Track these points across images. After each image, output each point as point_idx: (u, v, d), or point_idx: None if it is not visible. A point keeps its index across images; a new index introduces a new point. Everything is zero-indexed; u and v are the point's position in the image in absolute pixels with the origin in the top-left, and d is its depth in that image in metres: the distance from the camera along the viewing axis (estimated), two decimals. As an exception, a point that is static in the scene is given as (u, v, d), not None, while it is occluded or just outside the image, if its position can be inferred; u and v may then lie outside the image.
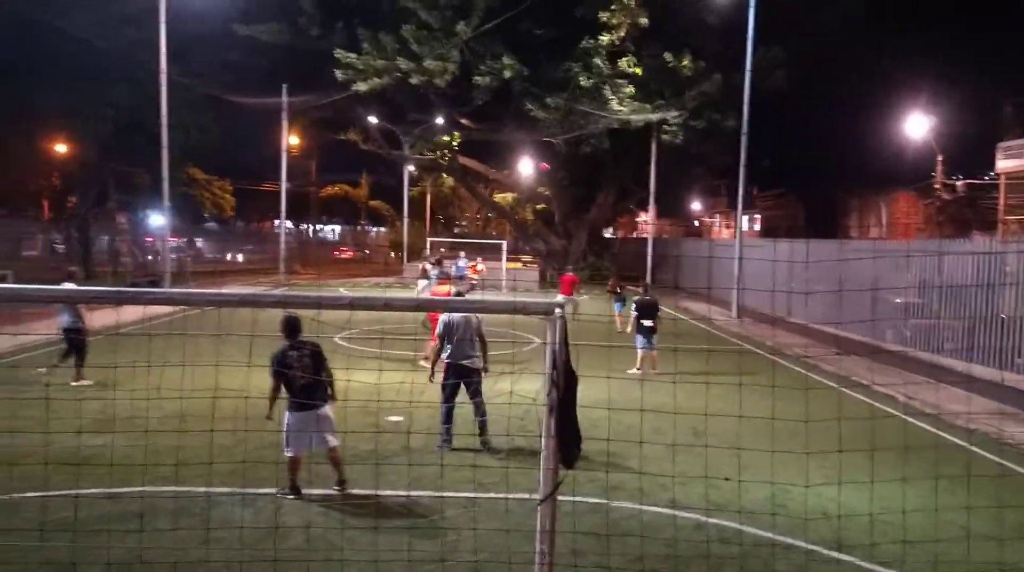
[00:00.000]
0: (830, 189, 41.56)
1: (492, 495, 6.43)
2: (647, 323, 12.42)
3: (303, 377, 6.35)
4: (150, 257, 37.50)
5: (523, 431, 7.03)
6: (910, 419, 10.10)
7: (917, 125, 27.81)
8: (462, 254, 27.95)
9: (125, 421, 8.14)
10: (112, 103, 28.07)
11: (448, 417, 8.14)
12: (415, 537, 5.74)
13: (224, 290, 4.37)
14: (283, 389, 6.46)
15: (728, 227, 54.92)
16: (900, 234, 35.69)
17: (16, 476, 6.51)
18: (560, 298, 13.74)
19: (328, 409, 6.55)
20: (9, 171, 33.55)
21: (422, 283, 22.54)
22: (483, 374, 8.22)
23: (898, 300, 16.69)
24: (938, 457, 7.80)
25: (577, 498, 6.57)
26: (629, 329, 12.67)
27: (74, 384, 10.43)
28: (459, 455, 7.61)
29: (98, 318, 12.31)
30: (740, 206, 23.03)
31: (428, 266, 22.74)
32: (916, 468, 7.03)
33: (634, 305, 13.01)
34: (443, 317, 8.20)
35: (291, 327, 6.54)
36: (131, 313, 15.68)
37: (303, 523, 5.89)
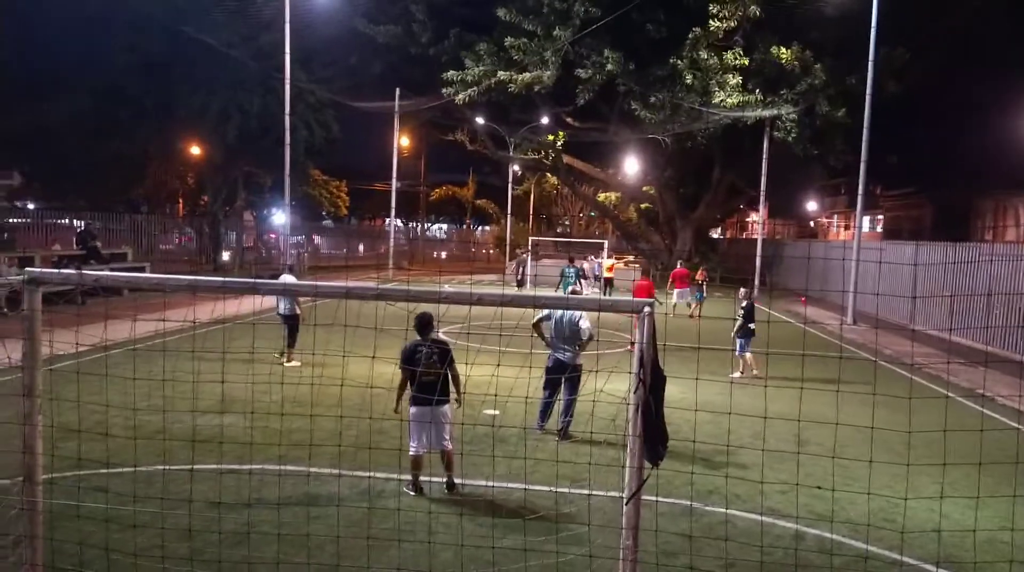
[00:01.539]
0: (962, 189, 38.72)
1: (582, 491, 6.51)
2: (750, 326, 12.22)
3: (429, 373, 6.43)
4: (273, 252, 39.81)
5: (615, 430, 7.06)
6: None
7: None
8: (594, 255, 28.55)
9: (256, 404, 8.76)
10: (243, 108, 30.11)
11: (544, 411, 8.49)
12: (504, 528, 5.89)
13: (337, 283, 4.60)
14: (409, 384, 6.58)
15: (847, 228, 52.20)
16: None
17: (152, 451, 7.16)
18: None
19: (448, 408, 6.62)
20: (151, 172, 36.63)
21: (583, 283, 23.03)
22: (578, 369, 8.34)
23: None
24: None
25: (672, 500, 6.54)
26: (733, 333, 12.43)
27: (286, 364, 11.57)
28: (550, 450, 7.72)
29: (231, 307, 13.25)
30: (860, 205, 21.84)
31: (586, 265, 23.39)
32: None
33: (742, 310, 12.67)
34: (546, 311, 8.40)
35: (422, 324, 6.64)
36: (266, 302, 16.77)
37: (400, 506, 6.18)
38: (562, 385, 8.41)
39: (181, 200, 43.18)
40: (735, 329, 12.27)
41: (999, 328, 15.80)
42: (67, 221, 28.93)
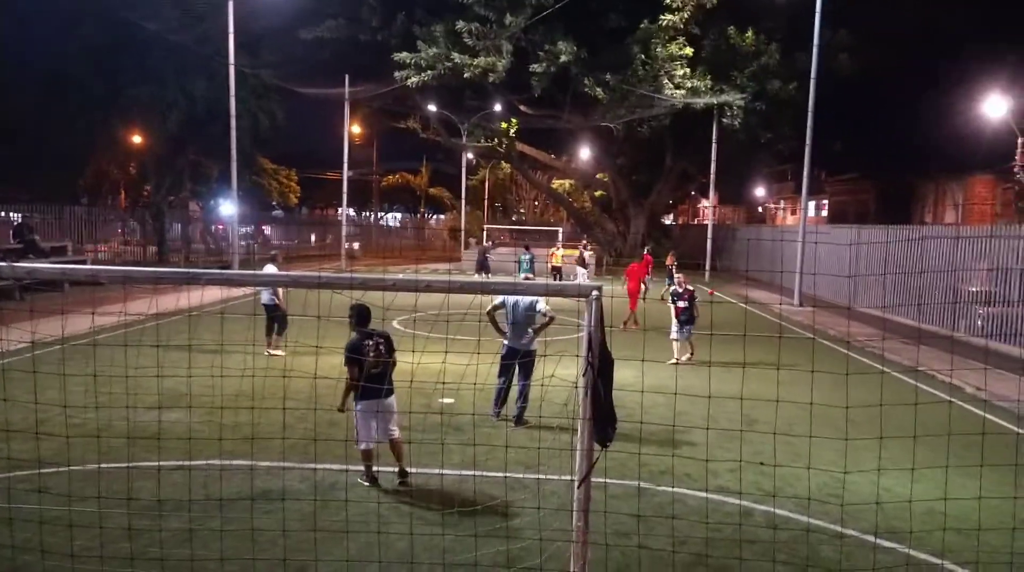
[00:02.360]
0: (903, 174, 39.91)
1: (534, 476, 6.54)
2: (682, 310, 12.14)
3: (377, 365, 6.35)
4: (222, 243, 38.90)
5: (567, 414, 7.12)
6: (968, 406, 9.75)
7: (995, 106, 26.44)
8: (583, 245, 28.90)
9: (196, 398, 8.57)
10: (188, 95, 29.27)
11: (499, 397, 8.56)
12: (457, 516, 5.89)
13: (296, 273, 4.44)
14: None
15: (794, 214, 53.41)
16: (976, 220, 34.06)
17: (93, 448, 6.94)
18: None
19: (394, 399, 6.59)
20: (92, 162, 35.38)
21: (581, 271, 23.11)
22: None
23: (972, 288, 16.06)
24: (990, 444, 7.54)
25: (625, 481, 6.62)
26: (661, 298, 12.41)
27: (268, 353, 11.73)
28: (504, 437, 7.74)
29: (171, 301, 12.92)
30: (805, 190, 22.39)
31: (587, 254, 23.33)
32: (969, 456, 6.80)
33: (672, 294, 12.56)
34: (500, 299, 8.44)
35: (361, 316, 6.56)
36: (210, 295, 16.40)
37: (351, 498, 6.12)
38: (515, 371, 8.46)
39: (123, 191, 41.86)
40: (675, 313, 12.22)
41: (933, 306, 16.39)
42: (2, 214, 27.80)
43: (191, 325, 12.18)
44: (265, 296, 12.17)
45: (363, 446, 6.51)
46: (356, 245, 31.90)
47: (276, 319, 12.06)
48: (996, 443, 8.13)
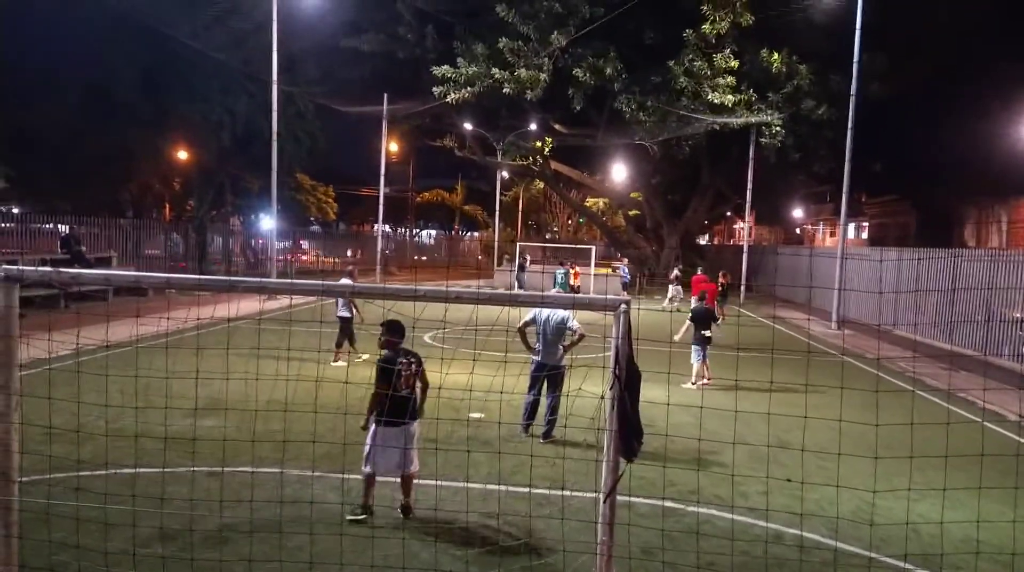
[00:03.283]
0: (946, 196, 39.10)
1: (559, 491, 6.52)
2: (704, 333, 11.62)
3: (404, 389, 5.94)
4: (261, 257, 39.64)
5: (593, 429, 7.11)
6: (1005, 431, 9.46)
7: (1043, 127, 25.83)
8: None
9: (232, 404, 8.73)
10: (231, 113, 30.06)
11: (529, 411, 8.58)
12: (484, 528, 5.89)
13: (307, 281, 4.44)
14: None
15: (832, 235, 52.60)
16: (1022, 243, 33.16)
17: (134, 452, 7.12)
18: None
19: (416, 426, 6.15)
20: (136, 176, 36.46)
21: (672, 290, 22.97)
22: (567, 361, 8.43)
23: (1017, 314, 15.63)
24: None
25: (651, 501, 6.57)
26: (678, 337, 11.65)
27: (337, 363, 12.09)
28: (530, 450, 7.73)
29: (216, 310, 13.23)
30: (844, 210, 22.08)
31: (678, 272, 23.14)
32: (1007, 481, 6.61)
33: (690, 314, 11.98)
34: (533, 310, 8.53)
35: (393, 331, 6.12)
36: (247, 306, 16.73)
37: (380, 505, 6.17)
38: (544, 384, 8.49)
39: (168, 205, 42.95)
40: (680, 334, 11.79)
41: (972, 330, 15.97)
42: (51, 226, 28.71)
43: (229, 333, 12.41)
44: (340, 308, 12.64)
45: (369, 470, 6.02)
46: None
47: (348, 331, 12.51)
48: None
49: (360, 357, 12.44)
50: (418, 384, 6.14)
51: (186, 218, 37.78)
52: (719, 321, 11.90)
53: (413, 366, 6.03)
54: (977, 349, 15.58)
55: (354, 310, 12.58)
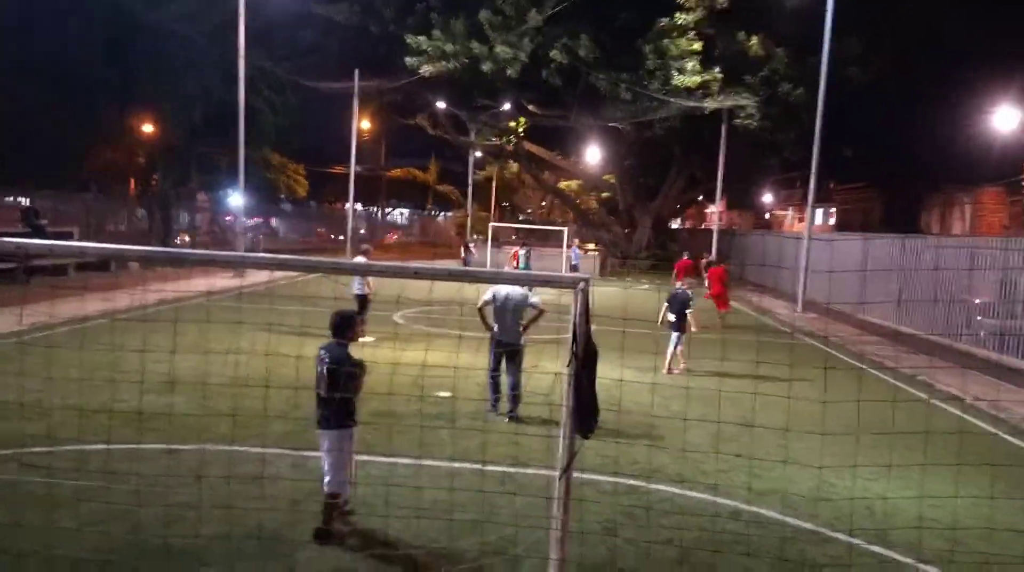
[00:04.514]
0: (912, 184, 39.77)
1: (514, 468, 6.55)
2: (671, 318, 11.55)
3: (318, 389, 5.29)
4: (229, 234, 39.05)
5: (550, 405, 7.15)
6: (947, 407, 9.72)
7: (1006, 118, 26.33)
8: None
9: (188, 384, 8.62)
10: (199, 87, 29.39)
11: (494, 386, 8.65)
12: (440, 505, 5.90)
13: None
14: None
15: (801, 221, 53.27)
16: (984, 232, 33.90)
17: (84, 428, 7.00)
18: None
19: (326, 436, 5.23)
20: (99, 151, 35.55)
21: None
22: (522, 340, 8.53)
23: (977, 300, 15.99)
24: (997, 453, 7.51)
25: (616, 479, 6.64)
26: (660, 322, 11.69)
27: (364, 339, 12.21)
28: (489, 427, 7.75)
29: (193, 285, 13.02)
30: (812, 196, 22.35)
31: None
32: (948, 456, 6.79)
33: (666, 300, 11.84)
34: (491, 289, 8.53)
35: (332, 325, 5.40)
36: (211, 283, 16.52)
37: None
38: (504, 363, 8.57)
39: (132, 180, 42.02)
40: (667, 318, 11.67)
41: (935, 313, 16.33)
42: (11, 199, 27.96)
43: (206, 310, 12.27)
44: (356, 286, 12.81)
45: (343, 490, 5.31)
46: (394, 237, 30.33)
47: (363, 306, 12.54)
48: (972, 442, 8.10)
49: (368, 338, 12.48)
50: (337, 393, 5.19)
51: (151, 193, 37.00)
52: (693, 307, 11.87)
53: (325, 366, 5.22)
54: (938, 333, 15.93)
55: (367, 287, 12.78)
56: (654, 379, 9.87)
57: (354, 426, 5.31)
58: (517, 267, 24.00)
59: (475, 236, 32.73)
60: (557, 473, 3.65)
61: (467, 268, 22.72)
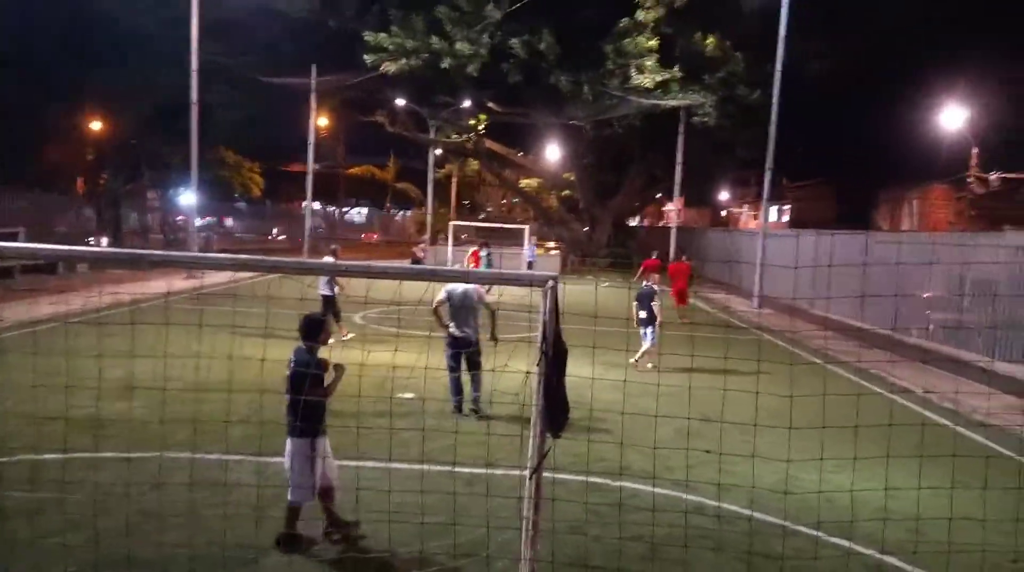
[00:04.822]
0: (863, 181, 40.81)
1: (483, 470, 6.51)
2: (643, 314, 11.81)
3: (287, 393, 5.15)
4: (180, 235, 38.13)
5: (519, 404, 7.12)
6: (908, 404, 9.99)
7: (953, 117, 27.18)
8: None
9: (144, 390, 8.37)
10: (149, 81, 28.58)
11: (456, 387, 8.69)
12: (408, 507, 5.83)
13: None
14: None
15: (756, 218, 54.27)
16: (931, 228, 34.97)
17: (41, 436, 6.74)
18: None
19: (289, 443, 5.15)
20: (45, 148, 34.37)
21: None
22: (494, 344, 8.55)
23: (925, 294, 16.44)
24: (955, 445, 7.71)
25: (583, 477, 6.63)
26: (635, 323, 11.90)
27: (343, 338, 12.13)
28: (456, 428, 7.69)
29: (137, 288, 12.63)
30: (766, 194, 22.78)
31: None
32: (908, 449, 6.96)
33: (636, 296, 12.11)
34: (446, 288, 8.57)
35: (300, 329, 5.32)
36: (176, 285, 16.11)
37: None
38: (463, 362, 8.66)
39: (80, 178, 40.76)
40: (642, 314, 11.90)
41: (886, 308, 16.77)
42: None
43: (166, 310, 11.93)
44: (322, 286, 12.59)
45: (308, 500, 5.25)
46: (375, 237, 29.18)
47: (331, 306, 12.45)
48: (931, 434, 8.32)
49: (344, 337, 12.40)
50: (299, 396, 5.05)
51: (99, 192, 35.91)
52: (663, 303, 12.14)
53: (288, 370, 5.16)
54: (892, 328, 16.35)
55: (336, 288, 12.61)
56: (622, 376, 9.91)
57: (320, 434, 5.14)
58: (478, 267, 23.83)
59: (425, 237, 32.40)
60: (527, 472, 3.62)
61: (438, 268, 22.47)
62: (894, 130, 32.62)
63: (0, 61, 27.09)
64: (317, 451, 5.10)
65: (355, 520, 5.41)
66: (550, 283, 3.47)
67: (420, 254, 20.98)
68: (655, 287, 12.20)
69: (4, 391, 7.61)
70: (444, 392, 8.72)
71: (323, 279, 12.57)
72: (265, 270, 3.92)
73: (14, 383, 7.62)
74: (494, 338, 8.57)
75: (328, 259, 13.10)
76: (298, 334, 5.27)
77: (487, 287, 8.71)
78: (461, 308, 8.56)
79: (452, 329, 8.60)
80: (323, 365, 5.15)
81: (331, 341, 11.69)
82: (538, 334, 3.53)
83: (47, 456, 6.21)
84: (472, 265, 23.31)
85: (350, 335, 12.60)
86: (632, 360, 11.53)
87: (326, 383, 5.13)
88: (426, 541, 5.22)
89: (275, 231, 54.33)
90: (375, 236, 58.46)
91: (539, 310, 3.51)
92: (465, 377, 8.77)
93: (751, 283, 22.87)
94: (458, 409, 8.60)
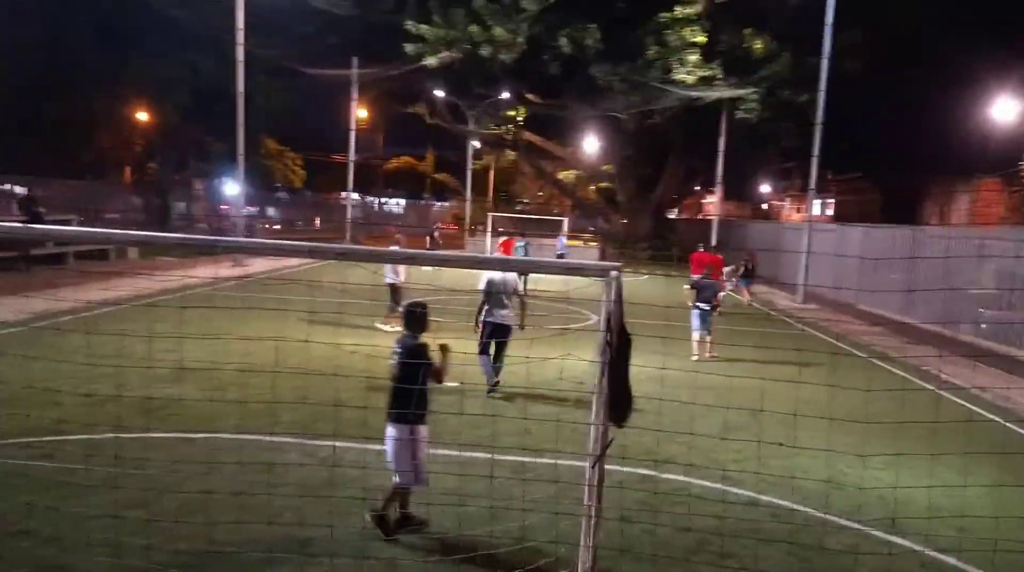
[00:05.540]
0: (910, 175, 39.80)
1: (544, 460, 6.57)
2: (703, 305, 12.01)
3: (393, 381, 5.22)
4: (225, 223, 38.89)
5: (582, 393, 7.17)
6: (972, 407, 9.78)
7: (1005, 109, 26.38)
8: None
9: (202, 373, 8.60)
10: (195, 72, 29.21)
11: (489, 371, 9.10)
12: (473, 493, 5.92)
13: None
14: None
15: (799, 211, 53.33)
16: (982, 223, 34.01)
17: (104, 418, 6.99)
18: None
19: (391, 429, 5.19)
20: (95, 137, 35.35)
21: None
22: (520, 329, 9.15)
23: (974, 291, 16.07)
24: (1005, 442, 7.57)
25: (629, 468, 6.65)
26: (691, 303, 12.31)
27: (385, 327, 12.38)
28: (518, 414, 7.77)
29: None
30: (812, 188, 22.38)
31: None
32: (969, 447, 6.85)
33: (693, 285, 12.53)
34: (486, 275, 9.02)
35: (405, 319, 5.48)
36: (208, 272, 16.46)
37: (360, 469, 6.15)
38: (493, 347, 9.09)
39: (128, 168, 41.82)
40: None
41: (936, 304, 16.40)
42: (8, 187, 27.77)
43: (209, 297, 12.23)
44: (388, 274, 12.94)
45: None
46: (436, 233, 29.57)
47: (395, 294, 12.73)
48: (980, 431, 8.15)
49: (386, 327, 12.56)
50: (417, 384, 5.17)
51: (147, 181, 36.81)
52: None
53: (399, 358, 5.22)
54: (942, 322, 16.02)
55: (400, 276, 12.89)
56: (663, 367, 9.90)
57: (424, 421, 5.24)
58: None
59: (438, 225, 32.40)
60: (589, 461, 3.66)
61: (504, 257, 22.59)
62: (941, 123, 31.77)
63: (48, 54, 27.92)
64: (422, 437, 5.22)
65: (426, 518, 5.43)
66: (613, 273, 3.50)
67: (436, 235, 21.87)
68: (719, 283, 12.61)
69: (63, 372, 7.89)
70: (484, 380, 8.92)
71: (389, 266, 12.82)
72: (329, 257, 4.00)
73: (73, 364, 7.89)
74: (522, 326, 9.18)
75: (394, 247, 13.28)
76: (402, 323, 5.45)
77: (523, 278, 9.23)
78: (497, 294, 9.01)
79: (487, 316, 9.03)
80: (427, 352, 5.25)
81: (389, 328, 12.00)
82: (600, 323, 3.57)
83: (102, 436, 6.44)
84: (502, 253, 23.47)
85: (389, 327, 12.60)
86: (704, 355, 11.90)
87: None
88: (485, 526, 5.30)
89: (316, 221, 55.00)
90: (454, 227, 58.58)
91: (602, 299, 3.54)
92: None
93: (794, 277, 22.54)
94: (493, 388, 8.99)
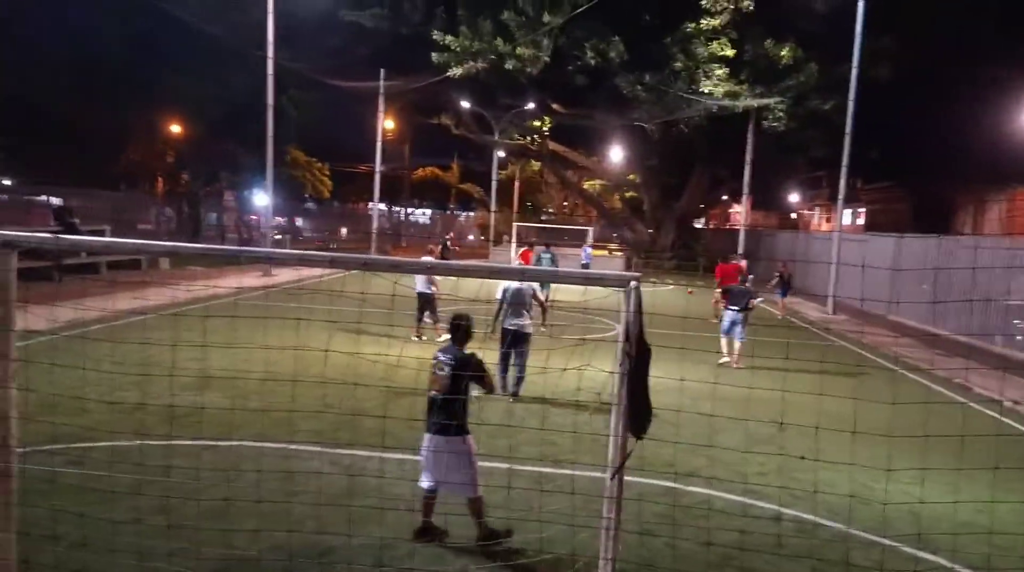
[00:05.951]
0: (942, 184, 39.05)
1: (563, 471, 6.52)
2: (734, 308, 12.06)
3: (432, 389, 5.27)
4: (255, 234, 39.44)
5: (601, 404, 7.10)
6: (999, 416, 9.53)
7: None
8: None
9: (226, 382, 8.70)
10: (225, 86, 29.76)
11: (505, 369, 9.35)
12: (487, 506, 5.90)
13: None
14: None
15: (828, 221, 52.64)
16: (1019, 233, 33.22)
17: (132, 426, 7.09)
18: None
19: (441, 440, 5.17)
20: (128, 149, 36.13)
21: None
22: (544, 328, 9.67)
23: (1008, 302, 15.67)
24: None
25: (650, 481, 6.58)
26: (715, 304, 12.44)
27: (414, 338, 12.59)
28: (535, 425, 7.74)
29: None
30: (841, 198, 22.06)
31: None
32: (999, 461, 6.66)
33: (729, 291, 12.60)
34: (502, 285, 9.40)
35: (451, 330, 5.59)
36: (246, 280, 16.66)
37: (380, 479, 6.17)
38: (512, 355, 9.30)
39: (160, 179, 42.65)
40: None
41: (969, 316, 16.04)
42: (44, 198, 28.47)
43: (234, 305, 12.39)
44: (420, 284, 12.92)
45: (421, 483, 5.40)
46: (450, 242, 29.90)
47: (428, 307, 12.87)
48: (1011, 446, 7.94)
49: (421, 337, 12.75)
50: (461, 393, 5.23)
51: (179, 192, 37.49)
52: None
53: (446, 367, 5.23)
54: (974, 334, 15.66)
55: (433, 286, 12.95)
56: (702, 377, 9.81)
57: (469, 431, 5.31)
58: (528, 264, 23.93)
59: (450, 234, 32.57)
60: (608, 473, 3.63)
61: (529, 267, 22.72)
62: (974, 131, 31.13)
63: (82, 67, 28.64)
64: (474, 446, 5.32)
65: (445, 528, 5.43)
66: (633, 283, 3.47)
67: (449, 245, 22.23)
68: (753, 289, 12.66)
69: (91, 381, 8.02)
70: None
71: (421, 278, 12.87)
72: (363, 269, 3.99)
73: (100, 373, 8.02)
74: (543, 324, 9.72)
75: (427, 258, 13.37)
76: (449, 334, 5.60)
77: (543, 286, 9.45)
78: (514, 304, 9.34)
79: (505, 323, 9.32)
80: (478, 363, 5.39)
81: (422, 339, 12.03)
82: (619, 333, 3.55)
83: (129, 443, 6.52)
84: (521, 263, 23.47)
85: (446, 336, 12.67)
86: (731, 361, 11.97)
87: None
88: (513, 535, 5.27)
89: (343, 231, 55.60)
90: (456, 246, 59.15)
91: (621, 310, 3.52)
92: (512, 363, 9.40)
93: (823, 287, 22.22)
94: (504, 388, 9.15)
